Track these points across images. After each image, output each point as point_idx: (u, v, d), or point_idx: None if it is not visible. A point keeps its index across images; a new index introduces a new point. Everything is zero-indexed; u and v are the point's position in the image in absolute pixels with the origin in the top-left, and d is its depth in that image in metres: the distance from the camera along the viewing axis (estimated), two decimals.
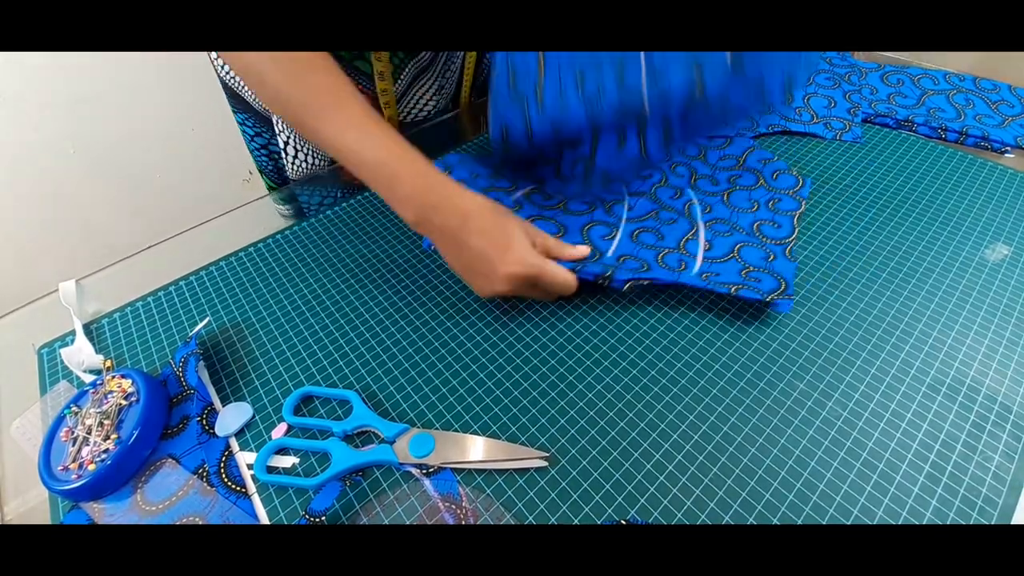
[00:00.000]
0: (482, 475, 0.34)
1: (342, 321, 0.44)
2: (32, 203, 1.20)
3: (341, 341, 0.43)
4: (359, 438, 0.36)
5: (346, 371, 0.40)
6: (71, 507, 0.34)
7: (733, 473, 0.33)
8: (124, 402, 0.36)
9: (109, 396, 0.37)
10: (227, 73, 0.62)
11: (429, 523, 0.31)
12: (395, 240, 0.52)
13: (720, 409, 0.36)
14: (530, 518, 0.31)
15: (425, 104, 0.67)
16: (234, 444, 0.36)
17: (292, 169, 0.65)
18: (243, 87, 0.62)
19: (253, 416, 0.38)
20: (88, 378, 0.41)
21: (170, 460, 0.35)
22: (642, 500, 0.32)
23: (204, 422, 0.37)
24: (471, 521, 0.31)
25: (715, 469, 0.33)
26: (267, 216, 0.59)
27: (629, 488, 0.32)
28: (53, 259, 1.27)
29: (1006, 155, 0.58)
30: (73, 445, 0.35)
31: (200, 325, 0.43)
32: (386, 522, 0.32)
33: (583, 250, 0.44)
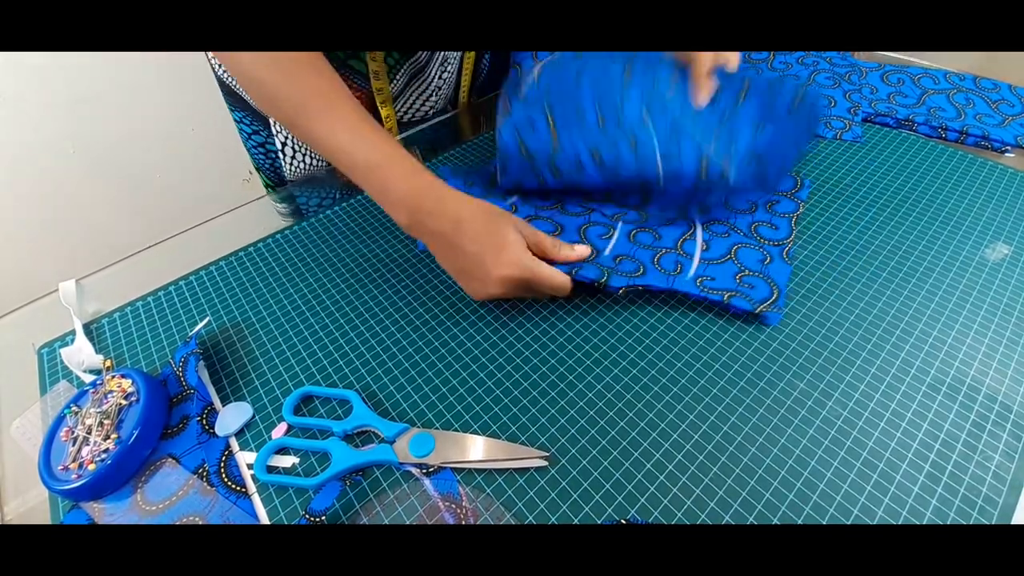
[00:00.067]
0: (482, 475, 0.34)
1: (342, 321, 0.44)
2: (32, 203, 1.20)
3: (341, 341, 0.43)
4: (359, 438, 0.36)
5: (346, 371, 0.40)
6: (71, 507, 0.34)
7: (733, 473, 0.33)
8: (124, 402, 0.36)
9: (109, 396, 0.37)
10: (223, 71, 0.62)
11: (429, 523, 0.31)
12: (395, 240, 0.52)
13: (720, 409, 0.36)
14: (530, 518, 0.31)
15: (422, 104, 0.67)
16: (234, 444, 0.36)
17: (290, 170, 0.65)
18: (239, 85, 0.62)
19: (253, 416, 0.38)
20: (88, 378, 0.41)
21: (170, 460, 0.36)
22: (642, 500, 0.32)
23: (204, 422, 0.37)
24: (471, 521, 0.31)
25: (715, 469, 0.33)
26: (267, 216, 0.59)
27: (629, 488, 0.32)
28: (53, 259, 1.27)
29: (1006, 154, 0.58)
30: (73, 445, 0.35)
31: (200, 325, 0.43)
32: (386, 522, 0.32)
33: (581, 250, 0.43)
